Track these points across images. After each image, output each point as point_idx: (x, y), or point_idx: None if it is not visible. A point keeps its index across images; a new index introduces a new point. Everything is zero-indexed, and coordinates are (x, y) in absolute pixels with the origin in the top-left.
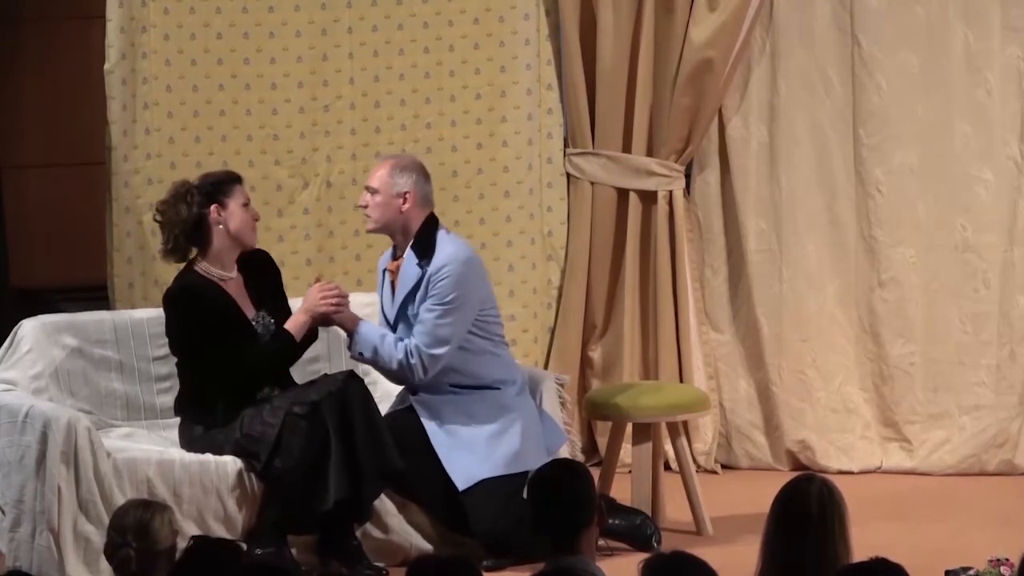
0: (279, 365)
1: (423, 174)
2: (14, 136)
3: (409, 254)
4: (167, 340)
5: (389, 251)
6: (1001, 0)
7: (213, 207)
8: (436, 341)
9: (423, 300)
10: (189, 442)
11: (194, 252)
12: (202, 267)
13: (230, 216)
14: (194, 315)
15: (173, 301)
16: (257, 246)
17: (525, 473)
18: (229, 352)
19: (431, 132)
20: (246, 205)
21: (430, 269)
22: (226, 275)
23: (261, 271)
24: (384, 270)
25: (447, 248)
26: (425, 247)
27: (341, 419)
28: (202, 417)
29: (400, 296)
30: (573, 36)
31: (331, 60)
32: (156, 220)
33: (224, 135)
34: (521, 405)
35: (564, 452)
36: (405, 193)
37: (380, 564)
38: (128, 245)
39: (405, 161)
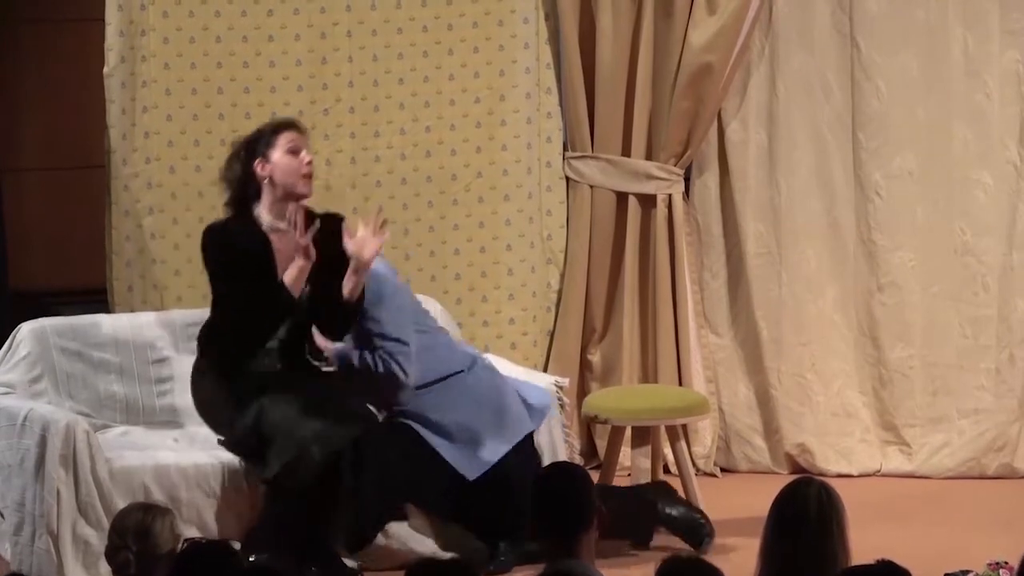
0: (275, 323)
1: None
2: (13, 139)
3: None
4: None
5: None
6: (1000, 3)
7: (257, 162)
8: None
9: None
10: (195, 388)
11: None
12: (257, 212)
13: (275, 168)
14: (215, 253)
15: (205, 233)
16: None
17: (524, 440)
18: (232, 299)
19: (430, 136)
20: (293, 152)
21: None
22: (278, 225)
23: (334, 240)
24: None
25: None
26: None
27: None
28: (209, 356)
29: None
30: (572, 40)
31: (330, 63)
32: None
33: (223, 138)
34: (487, 378)
35: (553, 409)
36: None
37: (354, 565)
38: (127, 249)
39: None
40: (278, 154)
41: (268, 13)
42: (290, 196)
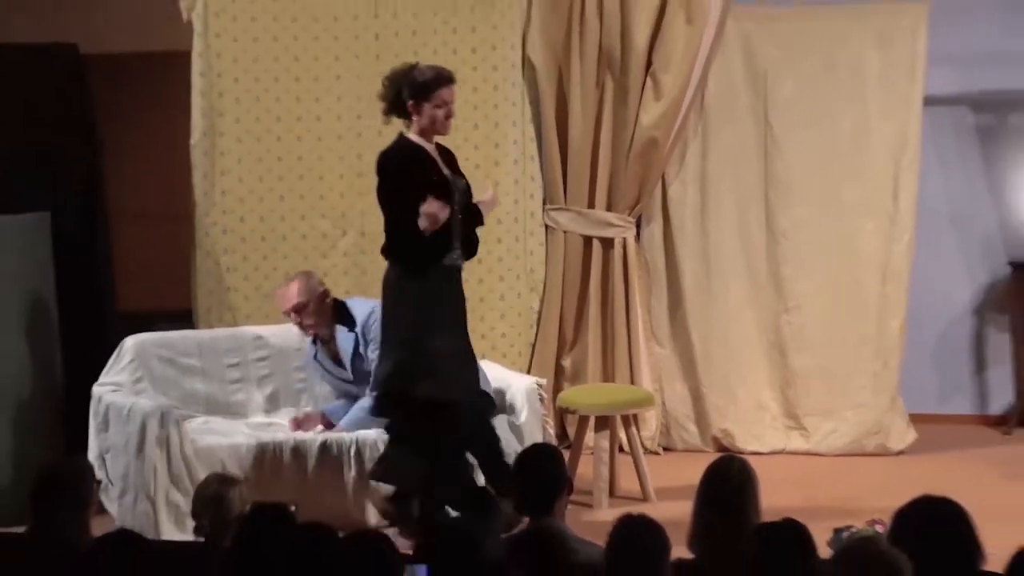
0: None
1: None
2: (124, 194)
3: (338, 328)
4: (377, 196)
5: (310, 345)
6: (880, 90)
7: (411, 103)
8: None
9: (367, 347)
10: (385, 283)
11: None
12: (412, 134)
13: (422, 114)
14: (398, 167)
15: (386, 155)
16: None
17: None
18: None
19: None
20: (440, 107)
21: (359, 326)
22: (427, 144)
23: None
24: (315, 356)
25: (360, 307)
26: (345, 318)
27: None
28: (397, 264)
29: (348, 358)
30: (550, 119)
31: (364, 137)
32: (383, 84)
33: (282, 195)
34: None
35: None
36: (323, 291)
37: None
38: (208, 280)
39: (301, 273)
40: (428, 107)
41: (315, 100)
42: (429, 133)
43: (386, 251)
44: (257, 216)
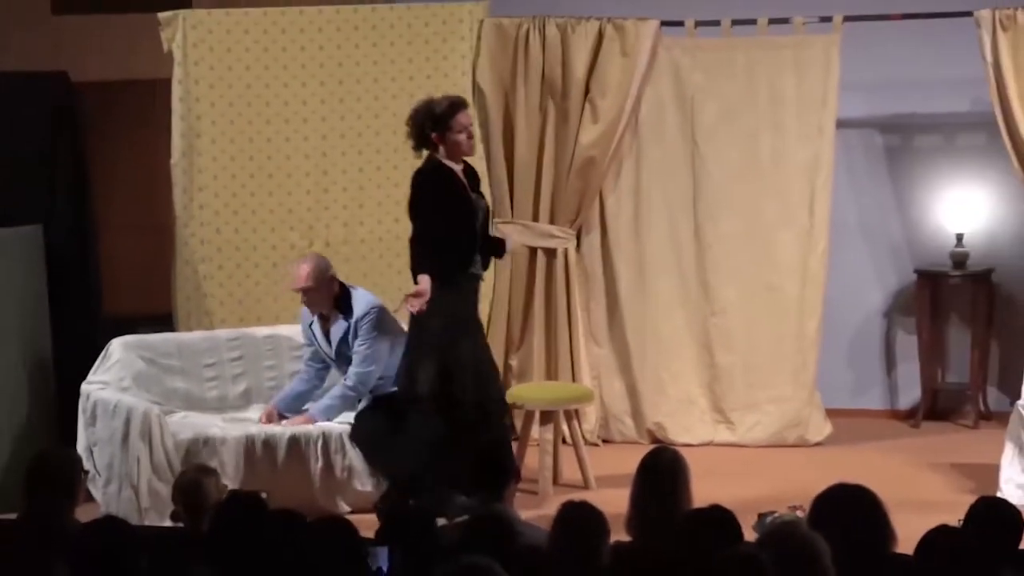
0: (475, 229)
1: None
2: (111, 206)
3: (335, 313)
4: (409, 212)
5: (306, 313)
6: (797, 117)
7: (434, 135)
8: (366, 360)
9: (354, 339)
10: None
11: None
12: (441, 155)
13: (447, 142)
14: (429, 187)
15: (419, 173)
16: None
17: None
18: (451, 221)
19: (399, 208)
20: (460, 132)
21: (354, 318)
22: (455, 166)
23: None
24: (311, 324)
25: (361, 301)
26: (345, 306)
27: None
28: (435, 271)
29: (335, 341)
30: (498, 139)
31: (328, 156)
32: (407, 123)
33: (254, 210)
34: None
35: None
36: (330, 276)
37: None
38: (187, 287)
39: (315, 256)
40: (451, 134)
41: (285, 121)
42: (456, 156)
43: (413, 266)
44: (232, 228)
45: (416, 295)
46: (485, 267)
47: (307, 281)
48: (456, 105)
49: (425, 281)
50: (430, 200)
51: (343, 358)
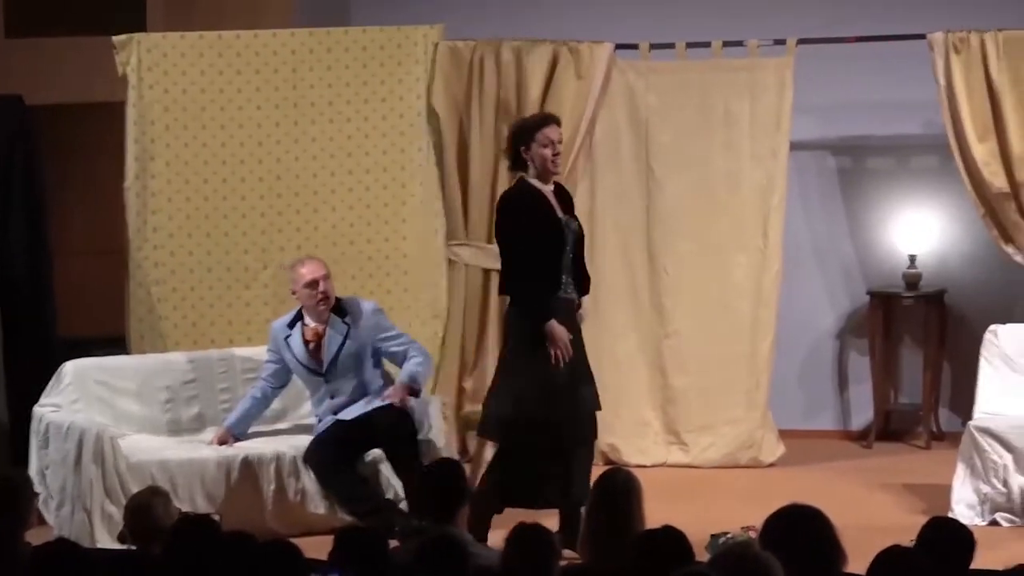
0: (564, 251)
1: None
2: (65, 231)
3: (333, 318)
4: (496, 237)
5: (284, 320)
6: (750, 139)
7: (522, 148)
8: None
9: (373, 336)
10: (508, 321)
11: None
12: (531, 178)
13: (534, 156)
14: (517, 212)
15: (506, 196)
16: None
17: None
18: (538, 244)
19: (353, 230)
20: (546, 146)
21: (363, 316)
22: (544, 187)
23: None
24: (287, 338)
25: (361, 301)
26: (341, 309)
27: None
28: (522, 302)
29: (332, 349)
30: (452, 163)
31: (283, 179)
32: (505, 144)
33: (208, 232)
34: None
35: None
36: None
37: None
38: (140, 309)
39: (310, 255)
40: (536, 147)
41: (240, 144)
42: (546, 174)
43: (503, 289)
44: (186, 251)
45: (552, 343)
46: (581, 291)
47: (325, 269)
48: (546, 119)
49: (554, 328)
50: (513, 224)
51: (340, 368)
